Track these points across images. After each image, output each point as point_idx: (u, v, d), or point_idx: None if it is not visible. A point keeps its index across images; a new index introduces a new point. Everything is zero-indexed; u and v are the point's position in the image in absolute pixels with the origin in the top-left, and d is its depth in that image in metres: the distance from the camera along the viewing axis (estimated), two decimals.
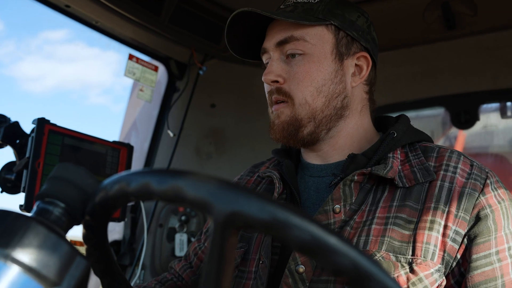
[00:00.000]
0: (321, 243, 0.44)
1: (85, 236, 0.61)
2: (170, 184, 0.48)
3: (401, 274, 0.93)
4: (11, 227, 0.48)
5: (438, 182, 1.00)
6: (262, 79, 1.12)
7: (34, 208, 0.56)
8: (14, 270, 0.46)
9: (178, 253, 2.20)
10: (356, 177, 1.03)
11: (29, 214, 0.53)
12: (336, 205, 1.02)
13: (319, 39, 1.09)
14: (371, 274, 0.44)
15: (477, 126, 2.33)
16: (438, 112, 2.50)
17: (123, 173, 0.51)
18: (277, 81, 1.10)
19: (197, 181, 0.47)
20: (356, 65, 1.13)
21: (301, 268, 0.98)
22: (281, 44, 1.10)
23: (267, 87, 1.14)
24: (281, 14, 1.09)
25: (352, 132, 1.13)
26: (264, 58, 1.16)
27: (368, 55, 1.13)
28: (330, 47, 1.10)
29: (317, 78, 1.08)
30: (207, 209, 0.46)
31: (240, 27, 1.16)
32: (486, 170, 1.03)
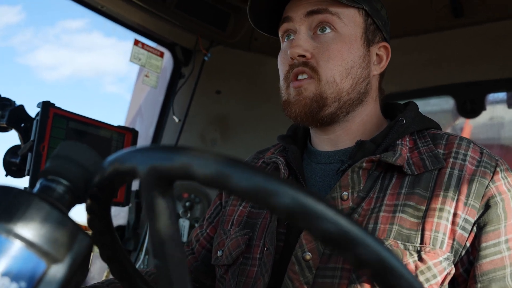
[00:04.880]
0: (224, 173, 0.45)
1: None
2: (110, 162, 0.53)
3: (410, 262, 0.92)
4: (14, 203, 0.48)
5: (448, 170, 0.99)
6: (288, 52, 1.06)
7: (37, 185, 0.56)
8: (16, 245, 0.46)
9: None
10: (364, 164, 1.01)
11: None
12: (344, 192, 1.01)
13: (351, 21, 1.07)
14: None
15: (484, 117, 2.32)
16: (444, 108, 2.49)
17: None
18: (304, 56, 1.06)
19: (125, 153, 0.51)
20: (377, 54, 1.13)
21: (308, 256, 0.97)
22: (312, 14, 1.06)
23: (288, 60, 1.08)
24: None
25: (366, 119, 1.12)
26: (283, 29, 1.12)
27: (389, 46, 1.14)
28: (360, 31, 1.08)
29: (347, 59, 1.06)
30: (134, 174, 0.49)
31: None
32: (496, 158, 1.01)
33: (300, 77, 1.06)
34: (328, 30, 1.06)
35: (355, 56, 1.07)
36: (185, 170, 0.46)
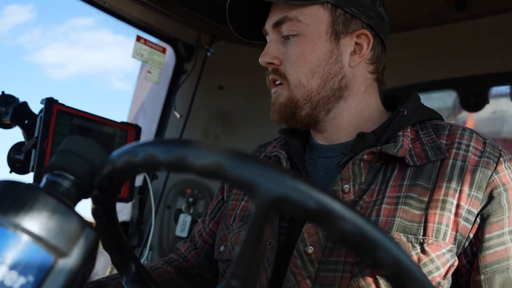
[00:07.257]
0: (366, 237, 0.43)
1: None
2: (211, 159, 0.46)
3: (412, 255, 0.92)
4: (20, 197, 0.48)
5: (450, 161, 0.98)
6: (259, 61, 1.11)
7: (43, 180, 0.56)
8: (23, 240, 0.46)
9: (178, 233, 2.21)
10: (365, 156, 1.01)
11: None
12: (345, 185, 1.01)
13: (313, 19, 1.06)
14: (420, 282, 0.45)
15: (487, 111, 2.31)
16: (447, 101, 2.49)
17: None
18: (273, 63, 1.09)
19: (240, 160, 0.45)
20: (356, 43, 1.09)
21: (310, 249, 0.97)
22: (277, 25, 1.09)
23: (265, 69, 1.13)
24: None
25: (356, 113, 1.11)
26: (267, 39, 1.15)
27: (369, 33, 1.08)
28: (325, 26, 1.06)
29: (311, 59, 1.06)
30: (251, 190, 0.44)
31: (243, 8, 1.15)
32: (499, 148, 1.00)
33: (277, 82, 1.11)
34: (291, 36, 1.08)
35: (320, 54, 1.06)
36: (323, 221, 0.43)
